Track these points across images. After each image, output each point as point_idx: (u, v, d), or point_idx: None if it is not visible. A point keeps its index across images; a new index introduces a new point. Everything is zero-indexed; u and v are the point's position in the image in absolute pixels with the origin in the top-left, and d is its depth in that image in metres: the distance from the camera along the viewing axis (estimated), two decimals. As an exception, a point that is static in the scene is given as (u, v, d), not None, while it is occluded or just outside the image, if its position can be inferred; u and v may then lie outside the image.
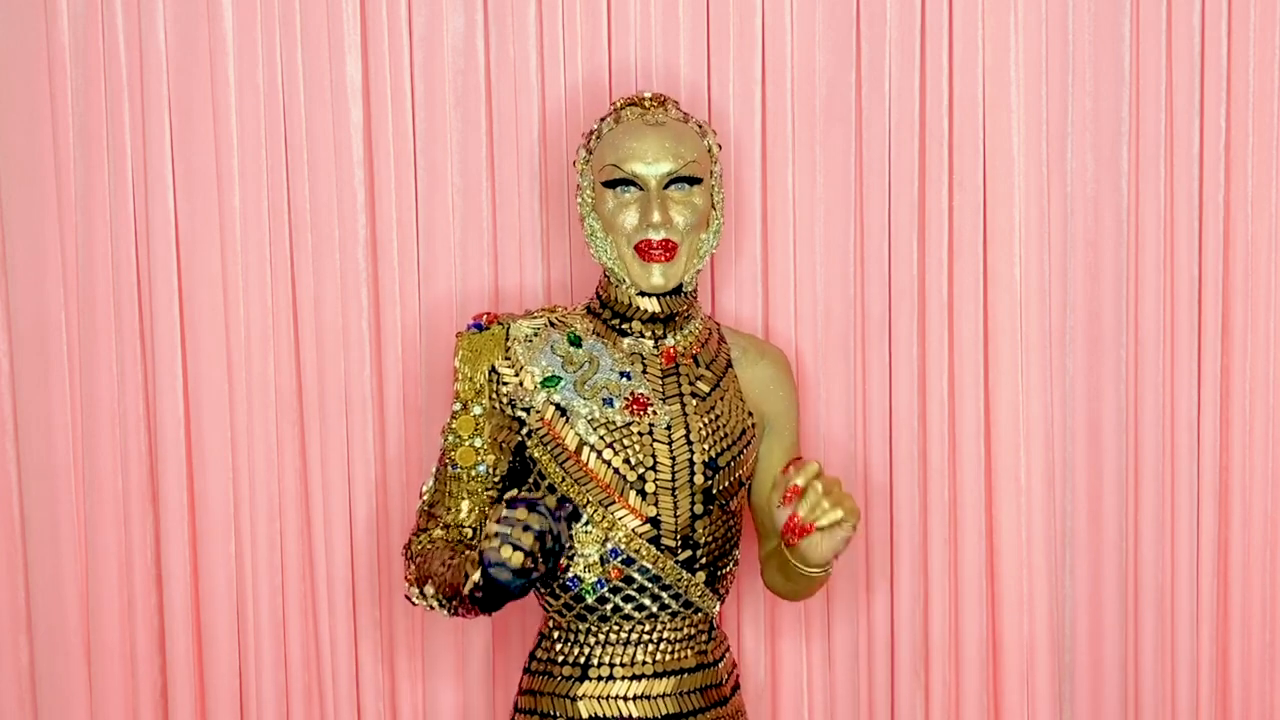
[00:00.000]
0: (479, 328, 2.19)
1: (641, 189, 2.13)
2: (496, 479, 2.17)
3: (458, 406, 2.17)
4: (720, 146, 2.23)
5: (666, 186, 2.13)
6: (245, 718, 2.57)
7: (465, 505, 2.17)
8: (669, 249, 2.12)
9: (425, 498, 2.20)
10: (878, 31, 2.49)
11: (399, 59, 2.47)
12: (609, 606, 2.15)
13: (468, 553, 2.06)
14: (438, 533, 2.17)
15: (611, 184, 2.14)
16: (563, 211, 2.50)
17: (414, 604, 2.16)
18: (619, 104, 2.21)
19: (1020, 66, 2.49)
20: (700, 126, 2.21)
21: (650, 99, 2.20)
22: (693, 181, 2.15)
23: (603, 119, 2.20)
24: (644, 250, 2.12)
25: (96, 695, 2.57)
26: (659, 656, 2.17)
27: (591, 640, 2.17)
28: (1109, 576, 2.61)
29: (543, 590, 2.19)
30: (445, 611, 2.10)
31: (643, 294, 2.17)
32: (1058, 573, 2.60)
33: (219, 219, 2.49)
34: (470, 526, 2.17)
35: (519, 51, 2.47)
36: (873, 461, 2.56)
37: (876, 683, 2.60)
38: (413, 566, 2.16)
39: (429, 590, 2.11)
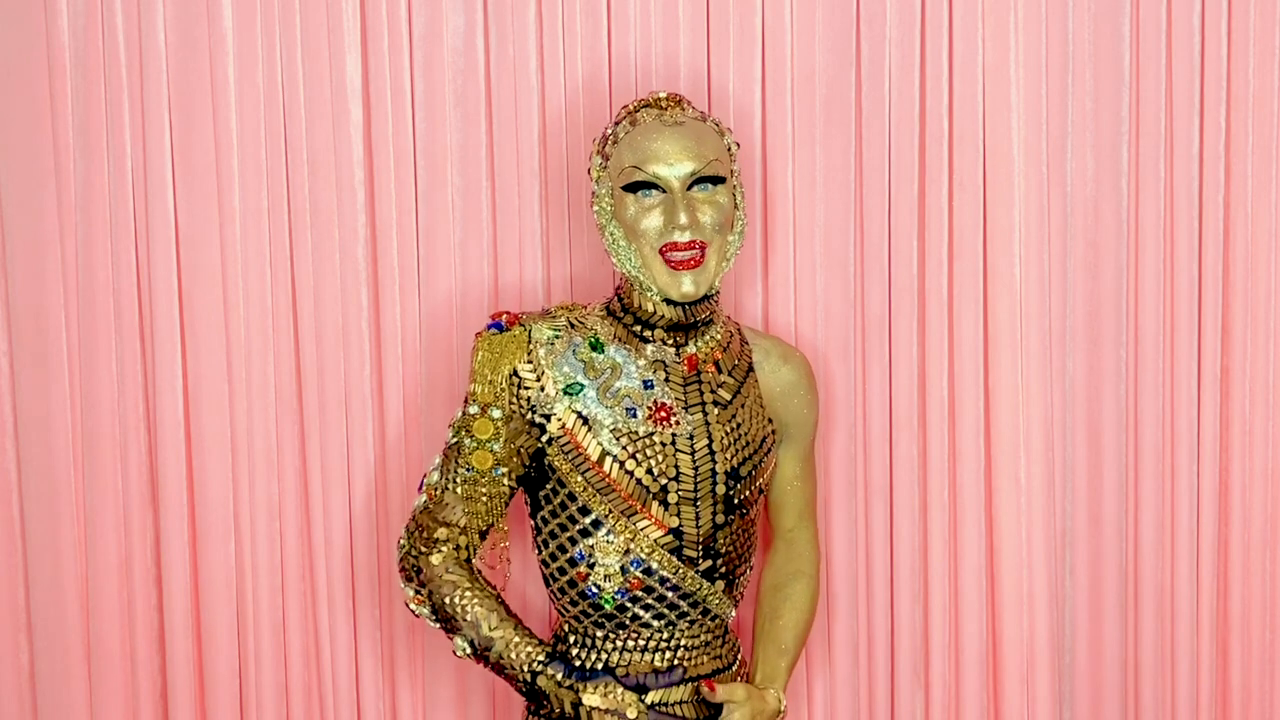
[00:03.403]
0: (499, 328, 2.15)
1: (664, 191, 2.08)
2: (511, 483, 2.16)
3: (474, 409, 2.13)
4: (738, 145, 2.21)
5: (690, 187, 2.08)
6: (245, 718, 2.57)
7: (480, 509, 2.15)
8: (697, 250, 2.07)
9: (430, 496, 2.17)
10: (878, 31, 2.49)
11: (399, 59, 2.47)
12: (628, 615, 2.14)
13: (549, 672, 2.11)
14: (447, 550, 2.15)
15: (632, 188, 2.09)
16: (563, 211, 2.50)
17: (415, 616, 2.16)
18: (633, 106, 2.17)
19: (1020, 66, 2.49)
20: (717, 124, 2.17)
21: (666, 99, 2.15)
22: (716, 181, 2.09)
23: (617, 123, 2.16)
24: (671, 257, 2.07)
25: (96, 695, 2.57)
26: (675, 663, 2.16)
27: (608, 646, 2.15)
28: (1109, 576, 2.61)
29: (559, 597, 2.18)
30: (469, 659, 2.16)
31: (669, 301, 2.13)
32: (1058, 573, 2.60)
33: (219, 219, 2.49)
34: (479, 530, 2.16)
35: (519, 51, 2.47)
36: (873, 461, 2.56)
37: (876, 683, 2.60)
38: (428, 589, 2.15)
39: (459, 642, 2.13)
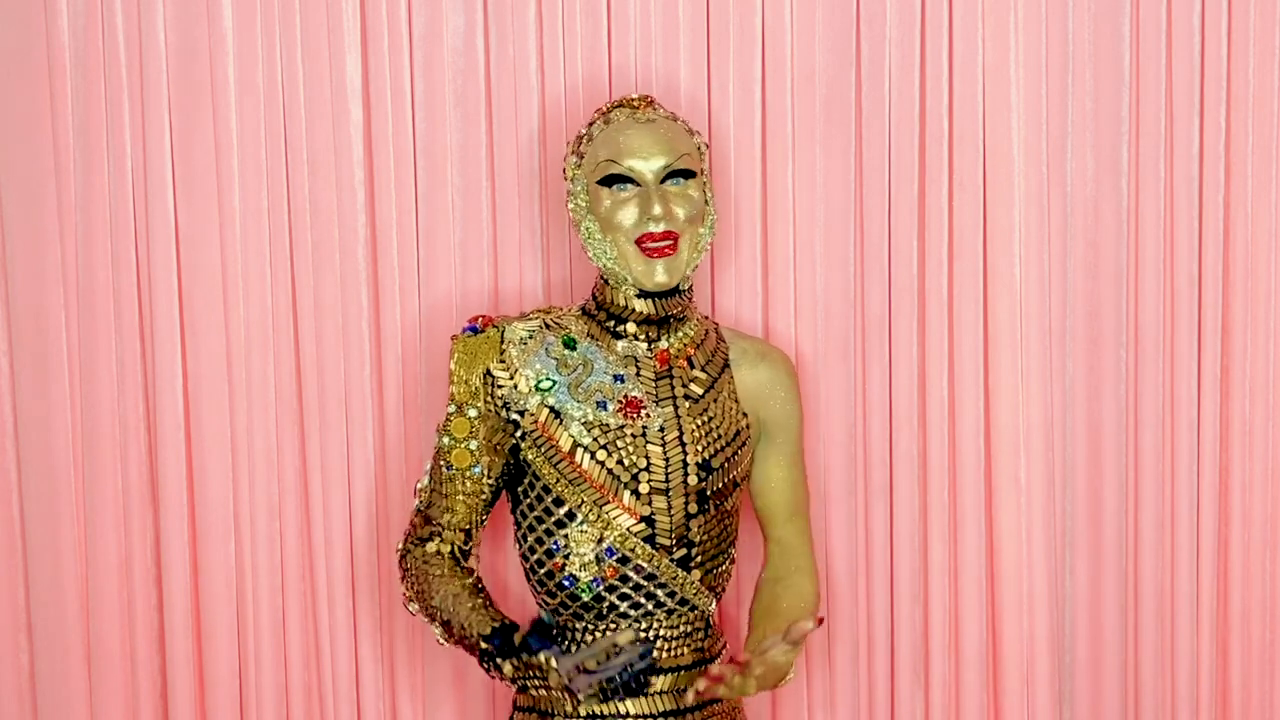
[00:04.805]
0: (474, 330, 2.21)
1: (638, 185, 2.14)
2: (490, 480, 2.20)
3: (452, 409, 2.19)
4: (707, 145, 2.25)
5: (663, 181, 2.15)
6: (245, 718, 2.57)
7: (460, 508, 2.19)
8: (670, 240, 2.13)
9: (420, 499, 2.23)
10: (878, 31, 2.49)
11: (399, 59, 2.47)
12: (605, 605, 2.16)
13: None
14: (432, 547, 2.20)
15: (607, 181, 2.15)
16: (562, 211, 2.50)
17: (412, 615, 2.18)
18: (606, 107, 2.23)
19: (1020, 66, 2.49)
20: (687, 125, 2.23)
21: (638, 99, 2.22)
22: (688, 175, 2.17)
23: (591, 123, 2.22)
24: (646, 246, 2.13)
25: (96, 695, 2.57)
26: (656, 654, 2.17)
27: (588, 639, 2.18)
28: (1109, 577, 2.61)
29: (539, 589, 2.20)
30: (449, 646, 2.17)
31: (642, 295, 2.17)
32: (1058, 573, 2.60)
33: (219, 219, 2.49)
34: (464, 529, 2.19)
35: (519, 51, 2.47)
36: (873, 461, 2.56)
37: (876, 683, 2.60)
38: (411, 581, 2.19)
39: (436, 629, 2.16)
